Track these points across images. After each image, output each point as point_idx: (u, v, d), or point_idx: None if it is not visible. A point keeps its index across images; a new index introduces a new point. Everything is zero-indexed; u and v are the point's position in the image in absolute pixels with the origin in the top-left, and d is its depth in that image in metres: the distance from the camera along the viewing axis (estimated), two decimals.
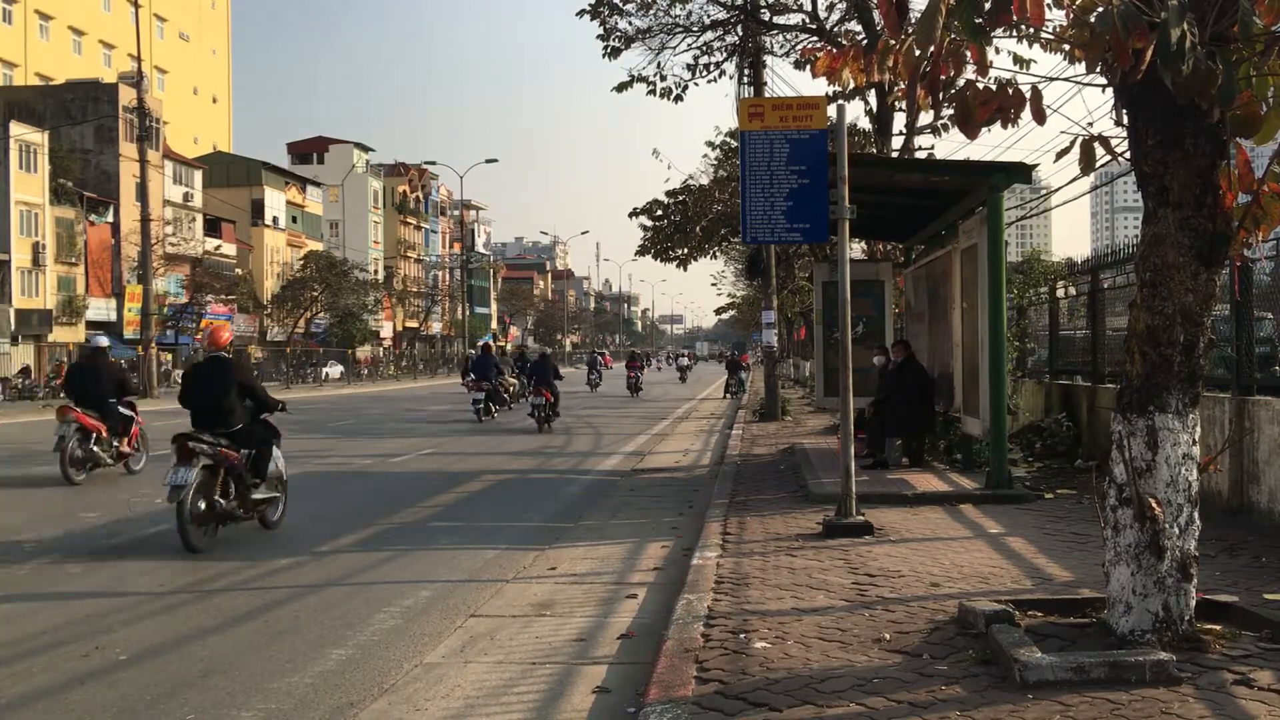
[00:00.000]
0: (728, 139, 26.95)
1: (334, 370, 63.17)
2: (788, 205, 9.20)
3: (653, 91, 19.03)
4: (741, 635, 5.60)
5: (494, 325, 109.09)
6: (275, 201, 70.46)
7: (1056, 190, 17.61)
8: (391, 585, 7.67)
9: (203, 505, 8.74)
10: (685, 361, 60.23)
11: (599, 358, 48.11)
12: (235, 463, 9.09)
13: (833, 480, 10.84)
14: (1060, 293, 15.04)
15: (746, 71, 21.17)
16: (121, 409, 14.19)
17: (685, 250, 25.35)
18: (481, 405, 24.45)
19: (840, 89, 6.14)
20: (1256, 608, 5.55)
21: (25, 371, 42.49)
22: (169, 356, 50.45)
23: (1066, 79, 5.49)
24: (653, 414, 28.76)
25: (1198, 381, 5.09)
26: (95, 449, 13.55)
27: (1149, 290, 5.05)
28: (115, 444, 13.96)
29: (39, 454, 15.56)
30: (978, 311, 11.01)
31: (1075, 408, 13.39)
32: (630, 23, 18.92)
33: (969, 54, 4.79)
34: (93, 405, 13.78)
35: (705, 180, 27.18)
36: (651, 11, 18.91)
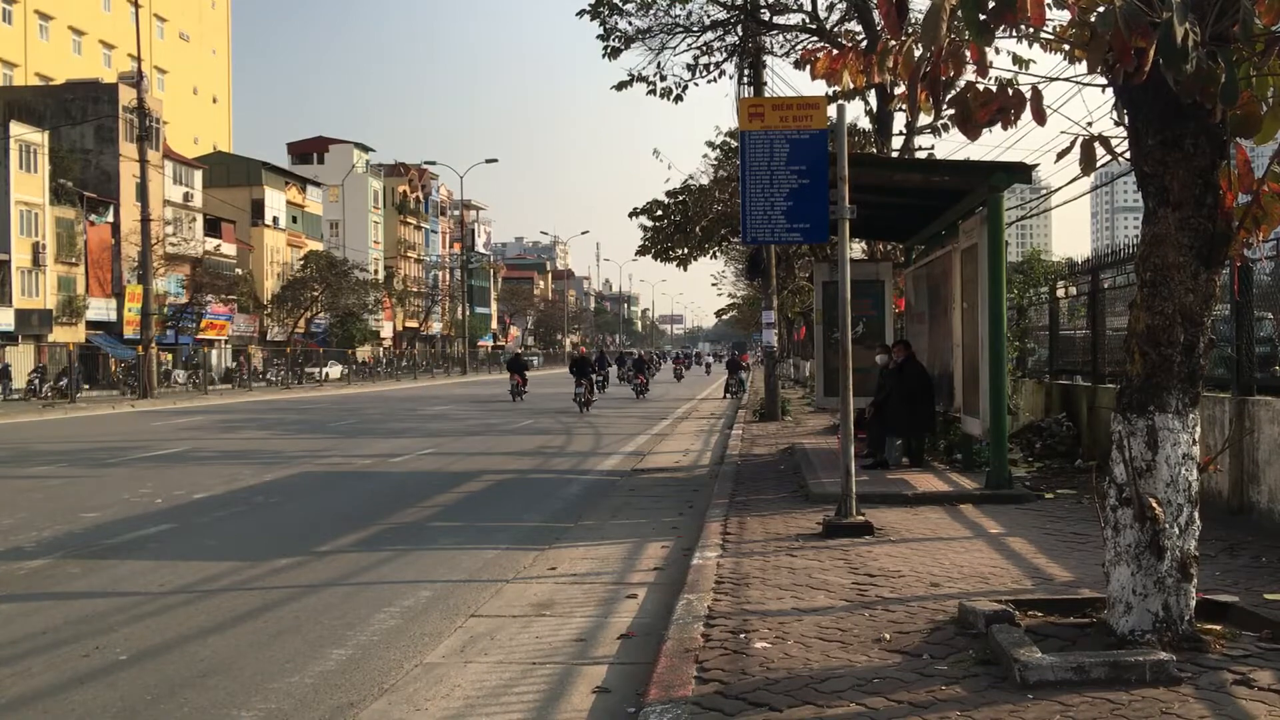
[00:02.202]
0: (728, 139, 26.90)
1: (334, 370, 63.19)
2: (788, 205, 9.19)
3: (653, 91, 19.05)
4: (741, 635, 5.60)
5: (494, 325, 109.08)
6: (275, 201, 70.42)
7: (1056, 190, 17.59)
8: (391, 585, 7.67)
9: (583, 400, 29.72)
10: (710, 360, 78.65)
11: (656, 355, 66.56)
12: (590, 385, 30.60)
13: (833, 480, 10.85)
14: (1060, 293, 15.03)
15: (746, 72, 21.18)
16: (526, 374, 36.30)
17: (685, 250, 25.37)
18: (601, 382, 38.88)
19: (840, 90, 6.12)
20: (1257, 608, 5.55)
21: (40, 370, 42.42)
22: (169, 356, 50.41)
23: (1066, 79, 5.50)
24: (653, 414, 28.77)
25: (1198, 381, 5.08)
26: (523, 390, 35.15)
27: (1149, 290, 5.05)
28: (523, 389, 35.11)
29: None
30: (978, 311, 11.00)
31: (1075, 408, 13.38)
32: (630, 23, 18.95)
33: (969, 54, 4.79)
34: (517, 372, 35.49)
35: (705, 180, 27.14)
36: (651, 11, 18.92)
